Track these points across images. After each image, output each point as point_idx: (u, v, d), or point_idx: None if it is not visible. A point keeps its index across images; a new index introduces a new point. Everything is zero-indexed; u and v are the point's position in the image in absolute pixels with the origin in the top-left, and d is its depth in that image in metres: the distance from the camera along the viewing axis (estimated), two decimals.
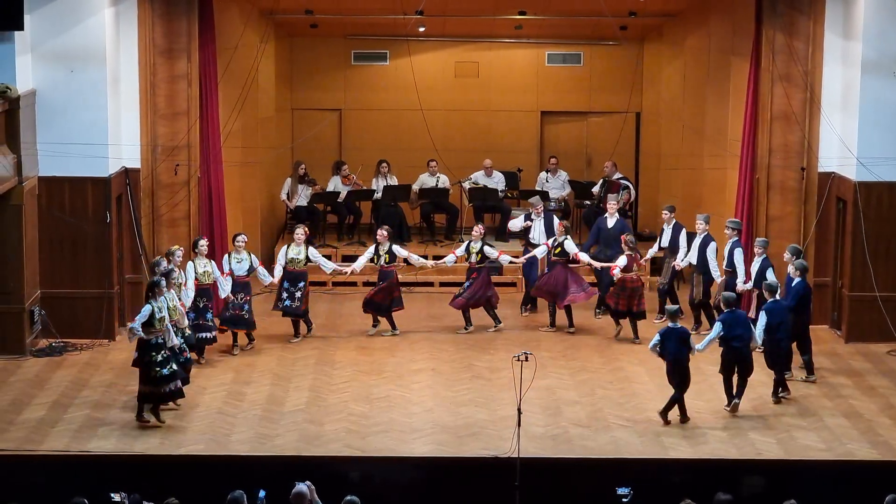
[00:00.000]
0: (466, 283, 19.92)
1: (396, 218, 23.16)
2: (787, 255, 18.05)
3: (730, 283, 18.68)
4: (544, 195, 23.66)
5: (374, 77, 25.96)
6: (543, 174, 24.52)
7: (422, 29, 23.98)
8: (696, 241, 19.77)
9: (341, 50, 25.82)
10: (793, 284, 17.56)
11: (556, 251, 19.96)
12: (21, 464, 14.74)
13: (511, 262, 20.75)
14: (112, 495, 12.65)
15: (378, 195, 23.73)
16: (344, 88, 25.92)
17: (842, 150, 19.50)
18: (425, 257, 21.09)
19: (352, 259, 20.68)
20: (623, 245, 19.73)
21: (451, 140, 25.04)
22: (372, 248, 19.71)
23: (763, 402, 16.77)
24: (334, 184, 23.97)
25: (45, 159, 18.70)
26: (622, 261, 19.48)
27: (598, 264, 20.25)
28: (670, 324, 16.21)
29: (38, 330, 18.77)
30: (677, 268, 20.16)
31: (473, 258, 19.94)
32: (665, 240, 20.44)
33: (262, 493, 12.27)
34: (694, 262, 19.79)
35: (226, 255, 18.88)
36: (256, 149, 22.92)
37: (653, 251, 20.72)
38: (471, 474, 14.73)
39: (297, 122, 25.89)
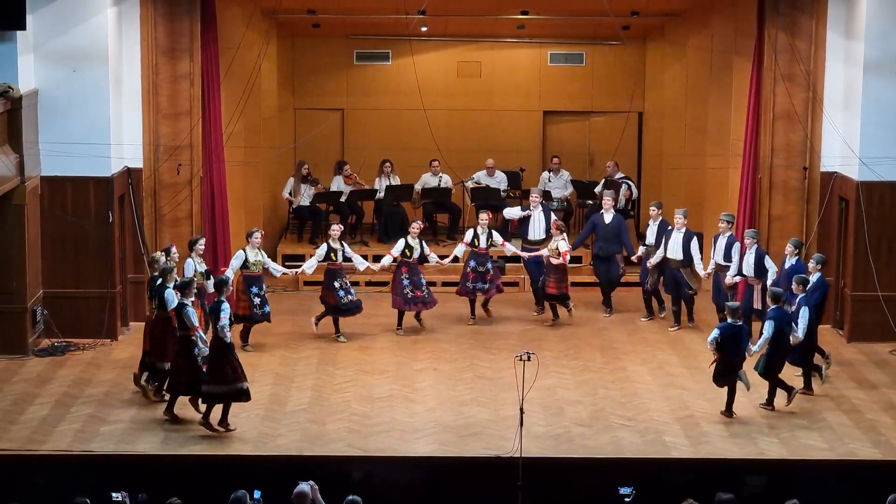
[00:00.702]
0: (478, 283, 20.03)
1: (398, 218, 23.17)
2: (788, 248, 18.15)
3: (776, 282, 18.60)
4: (547, 195, 23.70)
5: (376, 77, 25.98)
6: (546, 174, 24.52)
7: (424, 29, 24.02)
8: (678, 236, 19.87)
9: (343, 50, 25.85)
10: (813, 280, 17.50)
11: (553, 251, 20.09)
12: (23, 463, 14.73)
13: (514, 253, 20.90)
14: (113, 495, 12.67)
15: (380, 195, 23.74)
16: (346, 88, 25.94)
17: (844, 149, 19.50)
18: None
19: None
20: (554, 230, 20.21)
21: (453, 140, 25.05)
22: (324, 247, 19.46)
23: (764, 401, 16.76)
24: (337, 183, 23.99)
25: (48, 159, 18.70)
26: (563, 245, 19.99)
27: (526, 255, 20.66)
28: (730, 320, 16.14)
29: (41, 330, 18.77)
30: (649, 265, 20.26)
31: (484, 243, 20.04)
32: (651, 236, 20.46)
33: (257, 494, 12.27)
34: (677, 256, 19.89)
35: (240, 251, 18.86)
36: (259, 148, 22.92)
37: (641, 250, 20.76)
38: (473, 474, 14.73)
39: (300, 121, 25.92)
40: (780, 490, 13.86)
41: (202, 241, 18.44)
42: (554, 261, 20.02)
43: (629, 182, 23.54)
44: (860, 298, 19.31)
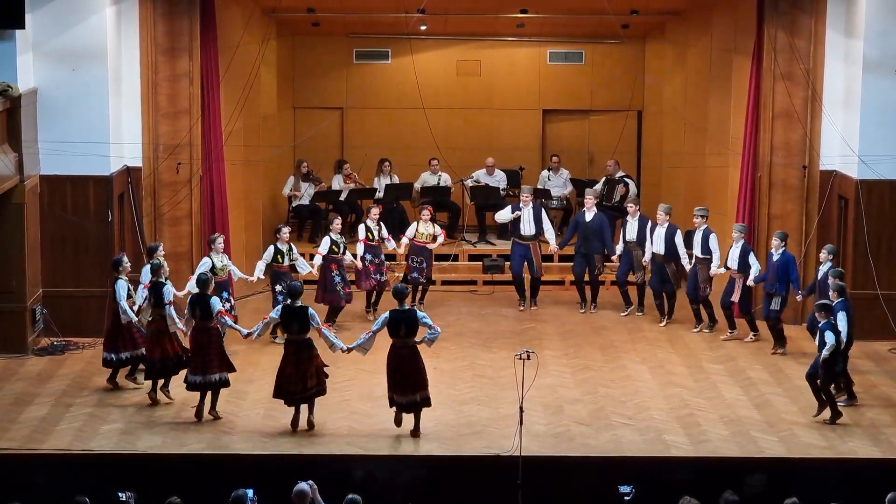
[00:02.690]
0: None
1: (398, 216, 23.18)
2: (823, 255, 18.19)
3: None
4: (546, 194, 23.70)
5: (375, 75, 25.97)
6: (545, 172, 24.53)
7: (423, 27, 24.00)
8: (661, 231, 20.01)
9: (343, 48, 25.83)
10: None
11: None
12: (23, 463, 14.74)
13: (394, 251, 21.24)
14: (119, 494, 12.67)
15: (380, 194, 23.74)
16: (346, 87, 25.92)
17: (843, 148, 19.50)
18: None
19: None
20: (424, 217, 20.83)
21: (452, 138, 25.03)
22: (271, 249, 19.35)
23: (764, 399, 16.77)
24: (336, 182, 23.99)
25: (47, 158, 18.71)
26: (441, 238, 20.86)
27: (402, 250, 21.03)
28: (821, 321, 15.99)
29: (40, 329, 18.78)
30: (645, 263, 20.37)
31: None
32: (631, 233, 20.48)
33: (250, 493, 12.25)
34: (661, 251, 19.97)
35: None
36: (258, 147, 22.90)
37: (619, 247, 20.79)
38: (473, 473, 14.73)
39: (299, 120, 25.90)
40: (779, 488, 13.87)
41: (220, 239, 18.43)
42: (430, 246, 20.70)
43: (627, 181, 23.54)
44: (860, 297, 19.26)
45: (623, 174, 23.73)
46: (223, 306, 16.76)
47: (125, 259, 17.31)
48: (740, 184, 20.50)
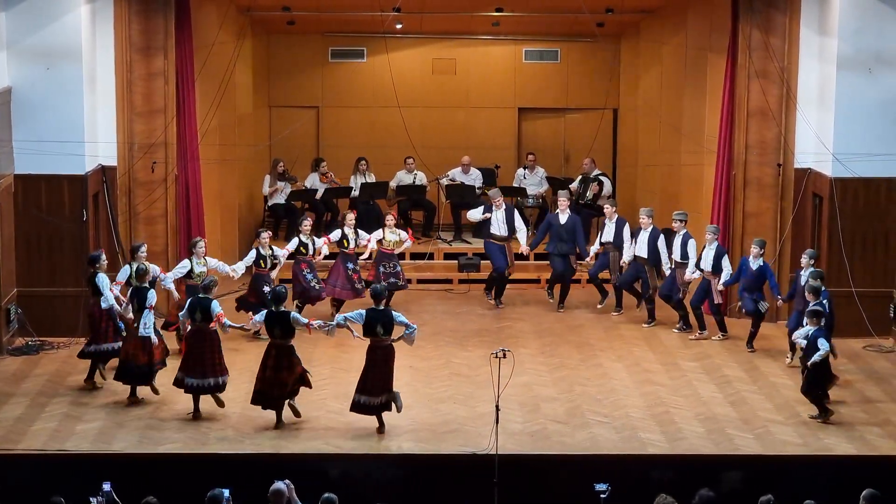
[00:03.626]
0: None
1: (374, 215, 23.16)
2: (804, 259, 18.17)
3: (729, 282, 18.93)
4: (522, 192, 23.72)
5: (351, 74, 25.95)
6: (521, 171, 24.55)
7: (399, 26, 23.98)
8: (644, 235, 19.99)
9: (319, 47, 25.80)
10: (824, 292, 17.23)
11: None
12: None
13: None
14: (91, 499, 12.64)
15: (355, 193, 23.72)
16: (321, 86, 25.90)
17: (818, 146, 19.57)
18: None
19: (331, 257, 20.60)
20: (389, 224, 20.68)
21: (428, 137, 25.05)
22: (253, 253, 19.31)
23: (739, 397, 16.82)
24: (312, 181, 23.97)
25: (21, 157, 18.63)
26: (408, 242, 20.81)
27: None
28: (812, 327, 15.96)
29: (15, 328, 18.71)
30: (623, 265, 20.38)
31: (353, 243, 20.15)
32: (608, 235, 20.49)
33: (226, 492, 12.23)
34: (643, 254, 19.96)
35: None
36: (234, 146, 22.87)
37: (595, 248, 20.75)
38: (449, 471, 14.74)
39: (275, 119, 25.86)
40: (755, 486, 13.90)
41: (202, 243, 18.36)
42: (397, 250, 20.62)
43: (602, 178, 23.54)
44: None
45: (599, 172, 23.76)
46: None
47: (103, 255, 17.30)
48: (715, 182, 20.56)
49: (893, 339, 19.26)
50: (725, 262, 19.05)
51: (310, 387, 15.88)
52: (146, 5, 19.52)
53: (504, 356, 14.26)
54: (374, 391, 15.45)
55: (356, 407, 15.52)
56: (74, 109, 18.81)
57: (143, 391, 16.53)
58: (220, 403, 16.08)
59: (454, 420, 15.93)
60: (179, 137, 20.01)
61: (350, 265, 19.94)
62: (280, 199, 23.58)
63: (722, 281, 19.02)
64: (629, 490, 13.68)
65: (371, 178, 23.92)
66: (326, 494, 11.97)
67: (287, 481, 12.17)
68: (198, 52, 20.48)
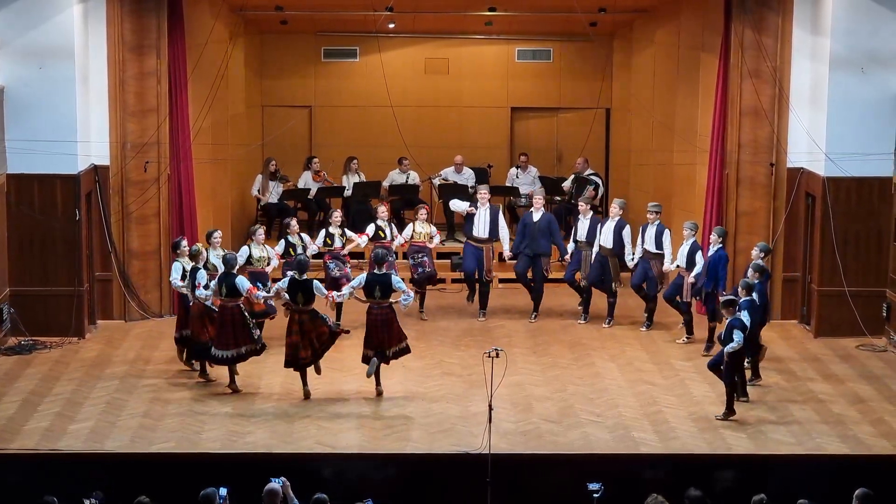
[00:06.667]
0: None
1: (366, 214, 23.16)
2: (755, 252, 18.03)
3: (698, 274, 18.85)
4: (515, 191, 23.73)
5: (344, 74, 25.97)
6: (513, 170, 24.57)
7: (392, 25, 24.01)
8: (611, 224, 19.90)
9: (311, 46, 25.82)
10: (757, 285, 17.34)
11: None
12: None
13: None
14: (85, 501, 12.63)
15: (348, 192, 23.73)
16: (314, 85, 25.92)
17: (810, 145, 19.60)
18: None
19: (318, 256, 20.48)
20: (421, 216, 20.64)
21: (421, 136, 25.06)
22: (245, 251, 19.10)
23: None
24: (304, 180, 23.98)
25: (14, 156, 18.62)
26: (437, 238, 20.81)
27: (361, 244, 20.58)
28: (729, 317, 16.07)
29: (8, 328, 18.70)
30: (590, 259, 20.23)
31: (338, 242, 19.93)
32: (582, 233, 20.37)
33: (223, 492, 12.23)
34: (608, 244, 19.88)
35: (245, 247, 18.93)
36: (226, 146, 22.86)
37: (571, 247, 20.54)
38: (442, 471, 14.73)
39: (268, 118, 25.88)
40: (748, 485, 13.92)
41: (217, 234, 18.28)
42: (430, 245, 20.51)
43: (596, 180, 23.53)
44: (827, 294, 19.42)
45: (592, 172, 23.76)
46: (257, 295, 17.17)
47: (184, 241, 17.73)
48: (708, 181, 20.57)
49: (886, 338, 19.27)
50: (699, 257, 18.87)
51: (334, 341, 16.69)
52: (139, 5, 19.52)
53: (497, 355, 14.27)
54: (388, 345, 16.69)
55: (366, 359, 16.73)
56: (67, 109, 18.80)
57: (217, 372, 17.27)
58: (313, 369, 16.80)
59: (447, 419, 15.93)
60: (172, 137, 20.01)
61: (332, 265, 19.58)
62: (273, 198, 23.57)
63: (693, 274, 18.86)
64: (622, 489, 13.70)
65: (361, 178, 23.92)
66: (317, 495, 11.98)
67: (283, 479, 12.17)
68: (190, 51, 20.46)
